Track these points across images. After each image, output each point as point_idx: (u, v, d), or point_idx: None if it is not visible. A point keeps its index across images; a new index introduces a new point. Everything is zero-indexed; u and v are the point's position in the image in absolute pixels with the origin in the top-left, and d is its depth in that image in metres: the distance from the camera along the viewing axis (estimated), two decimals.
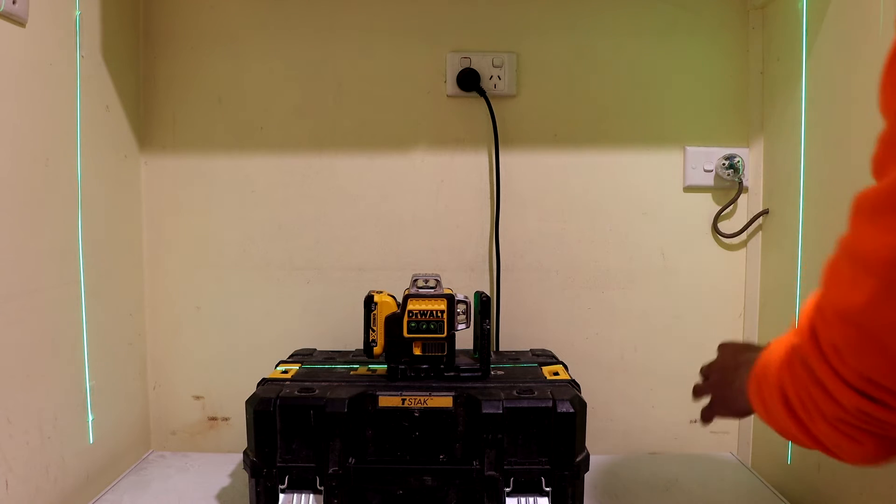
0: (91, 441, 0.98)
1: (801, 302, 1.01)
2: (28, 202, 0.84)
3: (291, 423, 0.84)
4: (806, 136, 1.01)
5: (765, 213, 1.14)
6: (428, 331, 0.90)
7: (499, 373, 0.94)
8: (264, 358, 1.11)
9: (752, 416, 0.55)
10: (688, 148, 1.15)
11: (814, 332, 0.42)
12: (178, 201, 1.16)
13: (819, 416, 0.43)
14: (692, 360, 1.17)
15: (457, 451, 0.84)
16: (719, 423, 1.20)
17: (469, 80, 1.12)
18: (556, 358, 1.05)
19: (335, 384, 0.89)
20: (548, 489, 0.84)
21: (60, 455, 0.90)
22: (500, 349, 1.16)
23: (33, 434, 0.85)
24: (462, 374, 0.91)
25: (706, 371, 0.73)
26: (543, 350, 1.11)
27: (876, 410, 0.39)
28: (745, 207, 1.16)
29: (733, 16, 1.15)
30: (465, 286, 1.15)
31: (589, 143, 1.16)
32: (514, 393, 0.85)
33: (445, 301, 0.89)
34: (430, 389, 0.86)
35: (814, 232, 0.99)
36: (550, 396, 0.84)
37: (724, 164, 1.14)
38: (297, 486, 0.85)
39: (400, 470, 0.83)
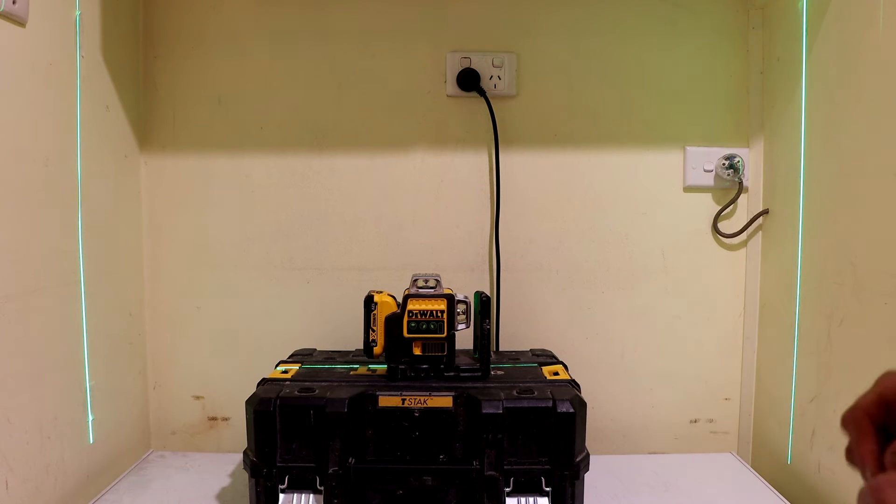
0: (91, 441, 0.98)
1: (800, 302, 1.01)
2: (28, 202, 0.84)
3: (291, 423, 0.84)
4: (806, 136, 1.01)
5: (765, 213, 1.14)
6: (428, 331, 0.90)
7: (499, 373, 0.94)
8: (264, 358, 1.11)
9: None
10: (688, 148, 1.15)
11: None
12: (178, 201, 1.16)
13: None
14: (692, 360, 1.19)
15: (457, 451, 0.84)
16: (719, 423, 1.20)
17: (469, 80, 1.12)
18: (556, 358, 1.04)
19: (335, 384, 0.89)
20: (548, 489, 0.84)
21: (60, 455, 0.90)
22: (500, 349, 1.16)
23: (33, 434, 0.85)
24: (462, 374, 0.91)
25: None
26: (543, 350, 1.11)
27: None
28: (745, 207, 1.16)
29: (733, 16, 1.15)
30: (465, 286, 1.15)
31: (589, 143, 1.16)
32: (514, 393, 0.85)
33: (445, 301, 0.89)
34: (430, 389, 0.86)
35: (814, 232, 0.99)
36: (550, 396, 0.84)
37: (724, 164, 1.14)
38: (297, 486, 0.84)
39: (400, 470, 0.83)
